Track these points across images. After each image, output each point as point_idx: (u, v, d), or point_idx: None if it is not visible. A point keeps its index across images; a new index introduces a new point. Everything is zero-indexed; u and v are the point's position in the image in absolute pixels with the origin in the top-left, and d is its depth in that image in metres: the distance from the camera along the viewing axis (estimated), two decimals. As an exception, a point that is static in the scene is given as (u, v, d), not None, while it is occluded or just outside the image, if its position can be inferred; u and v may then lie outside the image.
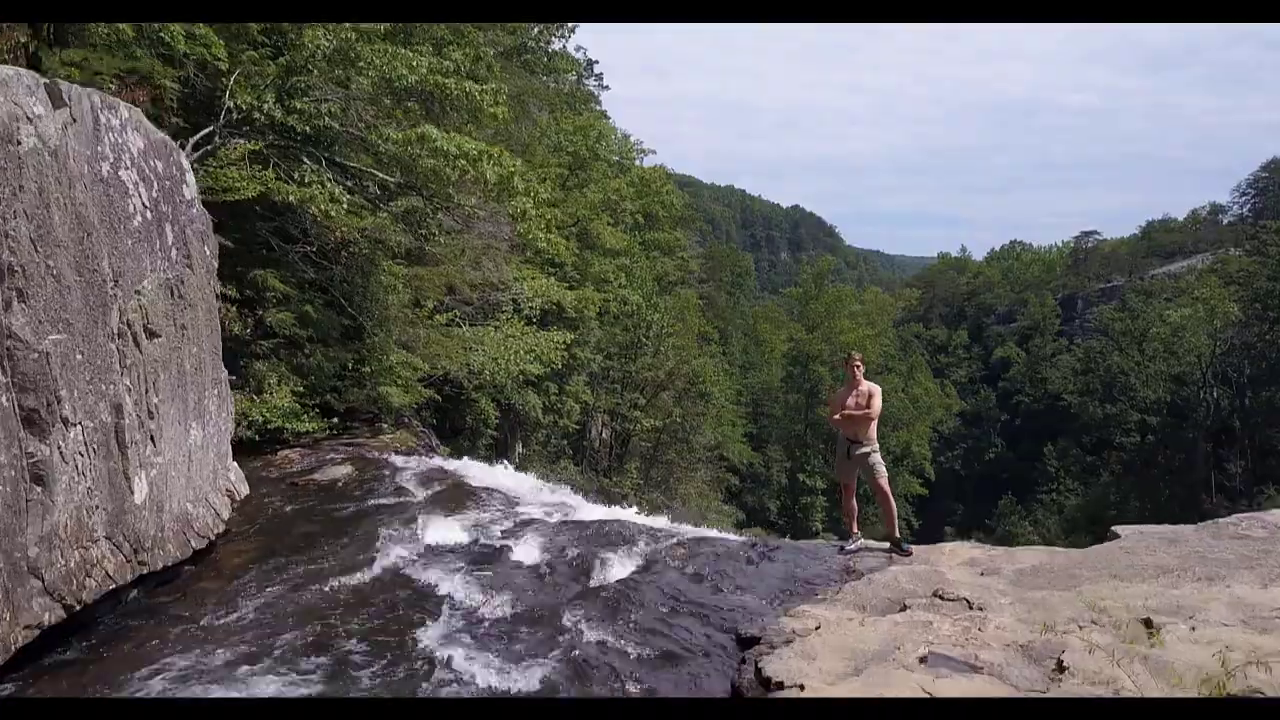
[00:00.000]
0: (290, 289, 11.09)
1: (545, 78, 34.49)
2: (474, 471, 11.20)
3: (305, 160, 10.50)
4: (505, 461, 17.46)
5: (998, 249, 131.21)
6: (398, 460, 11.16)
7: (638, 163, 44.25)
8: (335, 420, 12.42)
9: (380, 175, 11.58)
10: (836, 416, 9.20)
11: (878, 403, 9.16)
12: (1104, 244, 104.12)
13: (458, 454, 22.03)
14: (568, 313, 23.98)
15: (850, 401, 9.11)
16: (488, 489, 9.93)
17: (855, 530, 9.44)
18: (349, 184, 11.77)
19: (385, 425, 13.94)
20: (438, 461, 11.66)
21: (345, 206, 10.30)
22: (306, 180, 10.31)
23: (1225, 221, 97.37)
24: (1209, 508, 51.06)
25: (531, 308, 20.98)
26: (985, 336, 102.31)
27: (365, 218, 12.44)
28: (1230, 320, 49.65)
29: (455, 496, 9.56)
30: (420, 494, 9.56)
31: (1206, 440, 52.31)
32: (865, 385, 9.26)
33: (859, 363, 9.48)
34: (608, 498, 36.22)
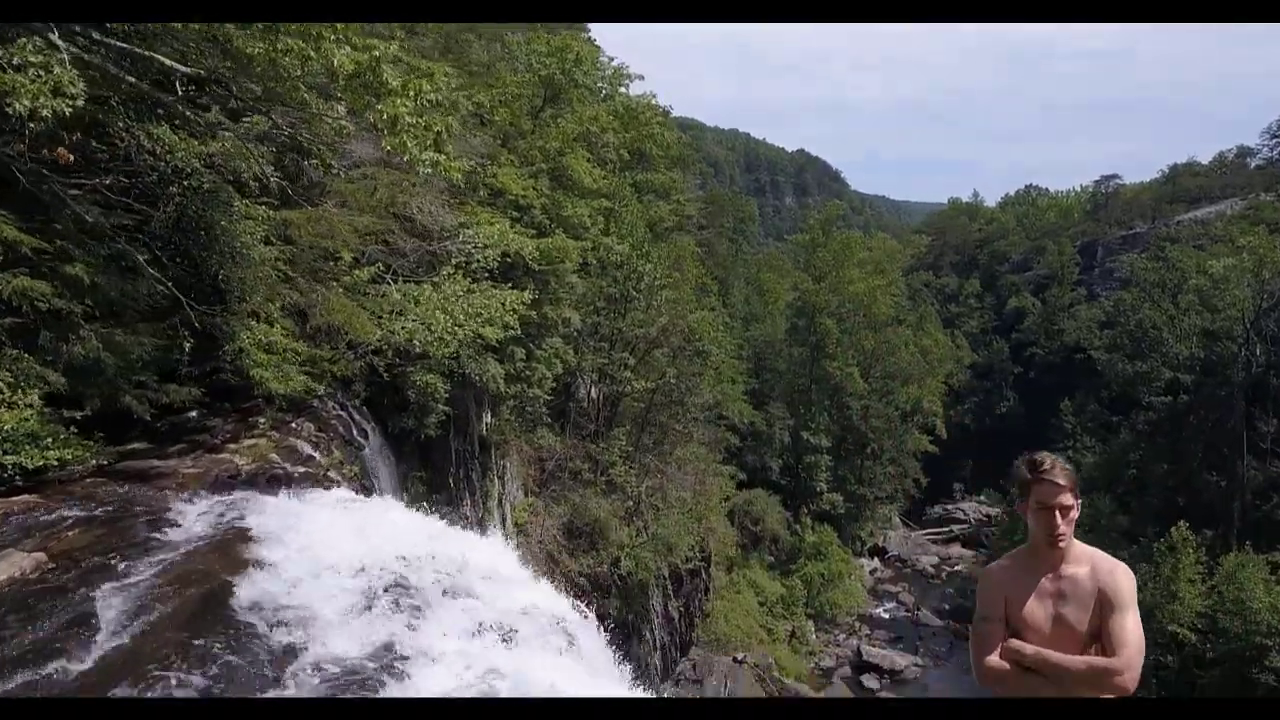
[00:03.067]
0: (40, 241, 7.43)
1: None
2: (332, 549, 7.29)
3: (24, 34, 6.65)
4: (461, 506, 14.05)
5: (1012, 194, 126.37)
6: (189, 509, 7.64)
7: (624, 90, 39.89)
8: (181, 422, 8.94)
9: (170, 64, 7.75)
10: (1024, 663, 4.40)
11: (1134, 634, 4.34)
12: (1125, 189, 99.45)
13: (400, 437, 18.62)
14: (536, 265, 20.26)
15: (1049, 616, 4.44)
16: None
17: None
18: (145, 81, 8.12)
19: (263, 421, 10.38)
20: (270, 509, 8.01)
21: (78, 102, 6.59)
22: (17, 62, 6.54)
23: (1254, 165, 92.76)
24: (1241, 470, 47.92)
25: (486, 259, 17.24)
26: (998, 286, 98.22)
27: (208, 142, 8.79)
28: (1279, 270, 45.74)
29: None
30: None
31: (1240, 399, 48.77)
32: (1086, 567, 4.48)
33: (1067, 496, 4.42)
34: (595, 466, 33.29)
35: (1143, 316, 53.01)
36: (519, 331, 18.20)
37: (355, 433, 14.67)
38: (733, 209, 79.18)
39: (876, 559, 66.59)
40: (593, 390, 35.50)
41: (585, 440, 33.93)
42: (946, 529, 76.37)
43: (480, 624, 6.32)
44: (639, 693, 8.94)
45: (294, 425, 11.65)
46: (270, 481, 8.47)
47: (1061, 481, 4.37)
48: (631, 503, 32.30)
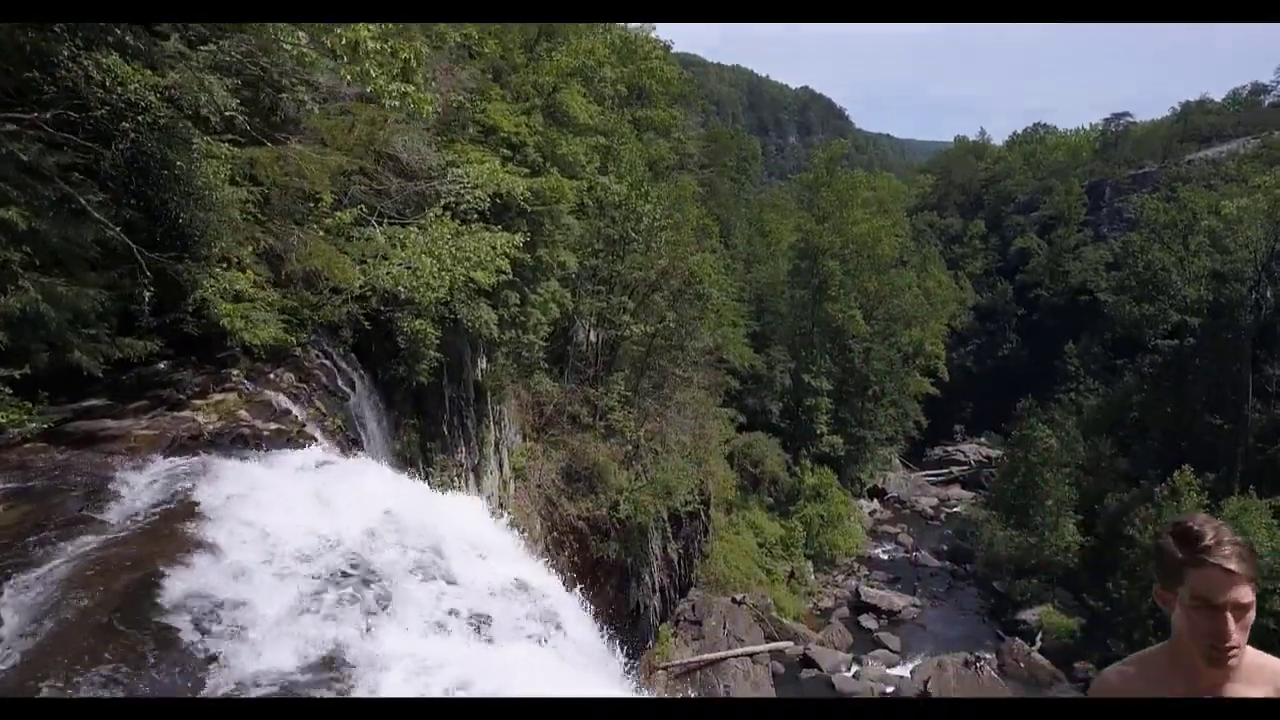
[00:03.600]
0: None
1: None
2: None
3: None
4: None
5: (1020, 132, 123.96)
6: (135, 479, 7.01)
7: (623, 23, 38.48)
8: (136, 378, 8.36)
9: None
10: None
11: None
12: (1136, 127, 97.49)
13: (391, 385, 18.11)
14: (529, 207, 19.52)
15: None
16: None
17: None
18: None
19: (236, 374, 9.82)
20: (221, 473, 7.45)
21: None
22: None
23: (1268, 103, 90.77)
24: (1245, 413, 47.60)
25: (475, 200, 16.52)
26: (1004, 227, 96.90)
27: (165, 73, 8.07)
28: (1293, 211, 44.78)
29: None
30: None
31: (1248, 343, 48.21)
32: (1265, 688, 3.21)
33: (1245, 589, 3.11)
34: (594, 411, 32.92)
35: (1151, 258, 52.14)
36: (512, 276, 17.56)
37: (340, 382, 14.14)
38: (735, 147, 77.63)
39: (876, 500, 66.81)
40: (591, 334, 34.96)
41: (584, 385, 33.51)
42: (946, 471, 76.52)
43: (451, 612, 5.83)
44: (629, 683, 8.47)
45: (272, 376, 11.10)
46: (235, 442, 7.91)
47: (1236, 568, 3.04)
48: (630, 447, 32.00)
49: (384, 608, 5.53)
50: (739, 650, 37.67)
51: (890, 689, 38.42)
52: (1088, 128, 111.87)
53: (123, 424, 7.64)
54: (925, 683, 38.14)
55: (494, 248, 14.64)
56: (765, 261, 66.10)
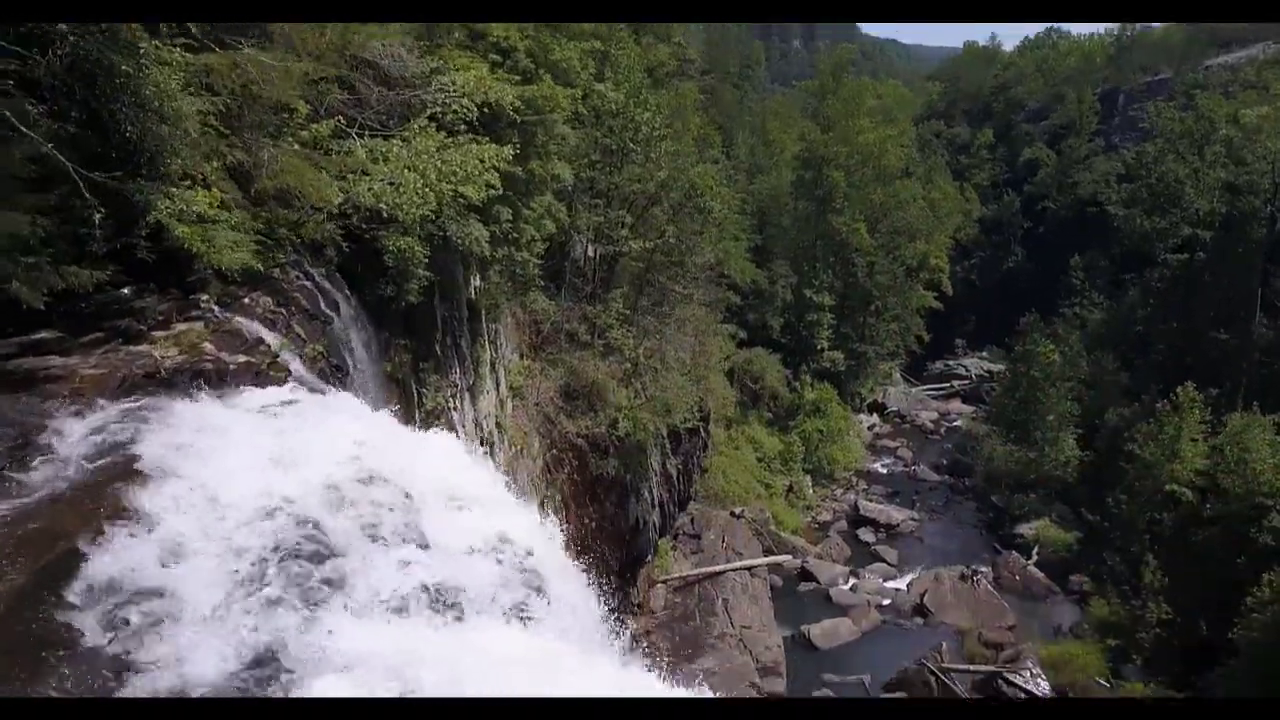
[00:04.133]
0: None
1: None
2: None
3: None
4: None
5: (1032, 37, 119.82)
6: (74, 427, 6.09)
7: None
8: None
9: None
10: None
11: None
12: (1151, 32, 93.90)
13: (380, 305, 17.46)
14: (520, 117, 18.55)
15: None
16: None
17: None
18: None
19: (205, 300, 9.19)
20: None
21: None
22: None
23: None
24: (1253, 328, 47.01)
25: (462, 110, 15.61)
26: (1012, 136, 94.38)
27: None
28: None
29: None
30: None
31: (1259, 256, 47.29)
32: None
33: None
34: (592, 328, 32.35)
35: (1164, 169, 50.65)
36: (503, 190, 16.74)
37: (323, 305, 13.51)
38: (738, 53, 75.02)
39: (876, 415, 66.82)
40: (589, 250, 34.11)
41: (582, 302, 32.87)
42: (947, 385, 76.38)
43: (418, 588, 5.29)
44: (614, 651, 8.00)
45: (247, 301, 10.47)
46: (196, 379, 7.32)
47: None
48: (629, 365, 31.53)
49: (337, 588, 5.00)
50: (737, 564, 37.99)
51: (887, 601, 38.90)
52: (1102, 32, 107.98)
53: (69, 362, 6.97)
54: (922, 595, 38.60)
55: (482, 161, 13.85)
56: (768, 172, 64.56)
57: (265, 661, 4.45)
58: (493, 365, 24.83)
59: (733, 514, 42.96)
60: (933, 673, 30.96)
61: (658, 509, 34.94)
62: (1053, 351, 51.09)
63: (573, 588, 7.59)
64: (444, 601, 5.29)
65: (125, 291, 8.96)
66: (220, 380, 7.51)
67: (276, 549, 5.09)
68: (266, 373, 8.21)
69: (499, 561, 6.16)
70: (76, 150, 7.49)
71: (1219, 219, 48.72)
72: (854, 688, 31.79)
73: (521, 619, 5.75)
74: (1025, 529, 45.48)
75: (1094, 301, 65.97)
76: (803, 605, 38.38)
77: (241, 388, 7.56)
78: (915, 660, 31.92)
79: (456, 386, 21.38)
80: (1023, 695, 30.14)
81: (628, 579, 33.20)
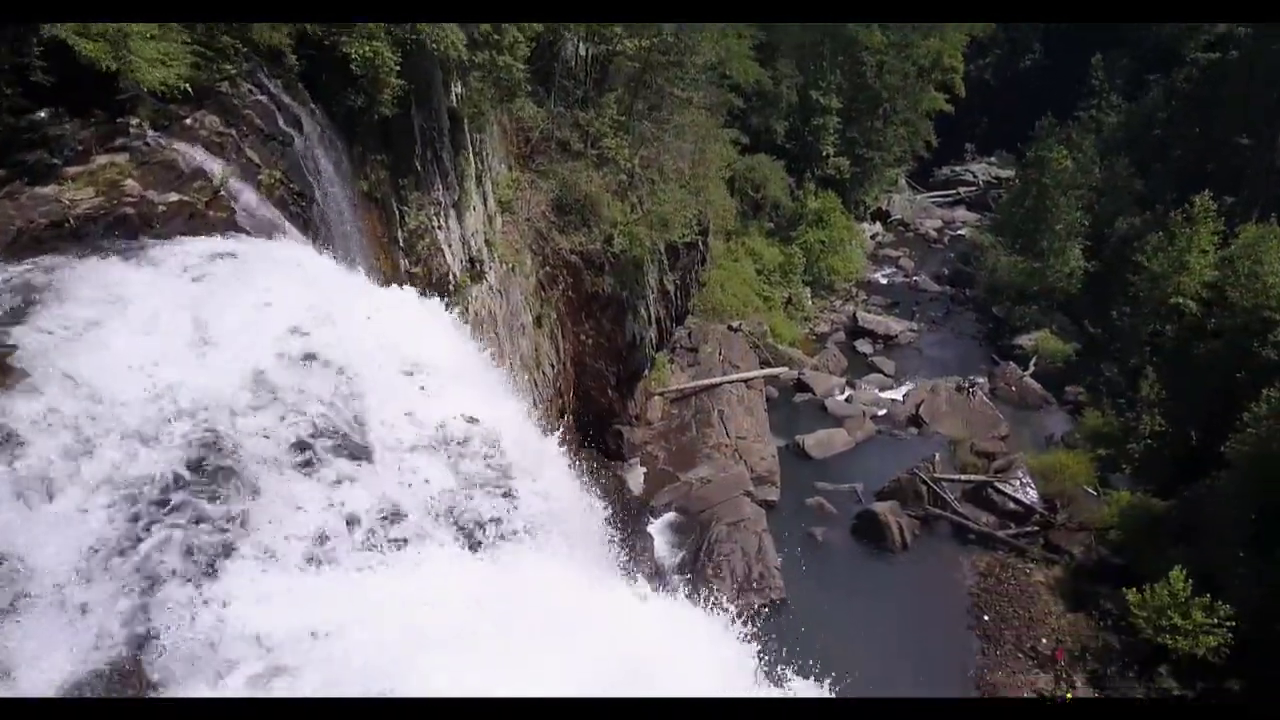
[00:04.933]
0: None
1: None
2: None
3: None
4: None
5: None
6: None
7: None
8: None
9: None
10: None
11: None
12: None
13: (351, 117, 16.04)
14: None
15: None
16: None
17: None
18: None
19: (135, 124, 8.01)
20: None
21: None
22: None
23: None
24: (1277, 134, 44.90)
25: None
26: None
27: None
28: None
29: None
30: None
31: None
32: None
33: None
34: (585, 137, 30.56)
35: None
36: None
37: (282, 122, 12.24)
38: None
39: (879, 223, 65.39)
40: (580, 49, 31.75)
41: (573, 108, 30.97)
42: (953, 191, 74.46)
43: (348, 518, 4.47)
44: (599, 570, 7.12)
45: (189, 122, 9.26)
46: (113, 229, 6.26)
47: None
48: (625, 176, 30.09)
49: (240, 535, 4.17)
50: (734, 376, 38.07)
51: (882, 412, 39.25)
52: None
53: None
54: (917, 406, 38.89)
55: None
56: (774, -39, 59.64)
57: (127, 665, 3.69)
58: (479, 179, 23.52)
59: (730, 327, 42.68)
60: (924, 482, 31.56)
61: (654, 325, 34.51)
62: (1065, 157, 49.12)
63: (555, 479, 6.71)
64: (379, 535, 4.51)
65: (41, 115, 7.81)
66: (145, 227, 6.47)
67: (165, 492, 4.21)
68: (204, 214, 7.14)
69: (458, 461, 5.32)
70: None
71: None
72: (846, 495, 32.50)
73: (485, 541, 4.98)
74: (1024, 340, 45.37)
75: (1112, 104, 62.83)
76: (798, 416, 38.75)
77: (169, 238, 6.49)
78: (908, 469, 32.46)
79: (440, 204, 20.24)
80: (1011, 504, 30.87)
81: (625, 393, 33.26)
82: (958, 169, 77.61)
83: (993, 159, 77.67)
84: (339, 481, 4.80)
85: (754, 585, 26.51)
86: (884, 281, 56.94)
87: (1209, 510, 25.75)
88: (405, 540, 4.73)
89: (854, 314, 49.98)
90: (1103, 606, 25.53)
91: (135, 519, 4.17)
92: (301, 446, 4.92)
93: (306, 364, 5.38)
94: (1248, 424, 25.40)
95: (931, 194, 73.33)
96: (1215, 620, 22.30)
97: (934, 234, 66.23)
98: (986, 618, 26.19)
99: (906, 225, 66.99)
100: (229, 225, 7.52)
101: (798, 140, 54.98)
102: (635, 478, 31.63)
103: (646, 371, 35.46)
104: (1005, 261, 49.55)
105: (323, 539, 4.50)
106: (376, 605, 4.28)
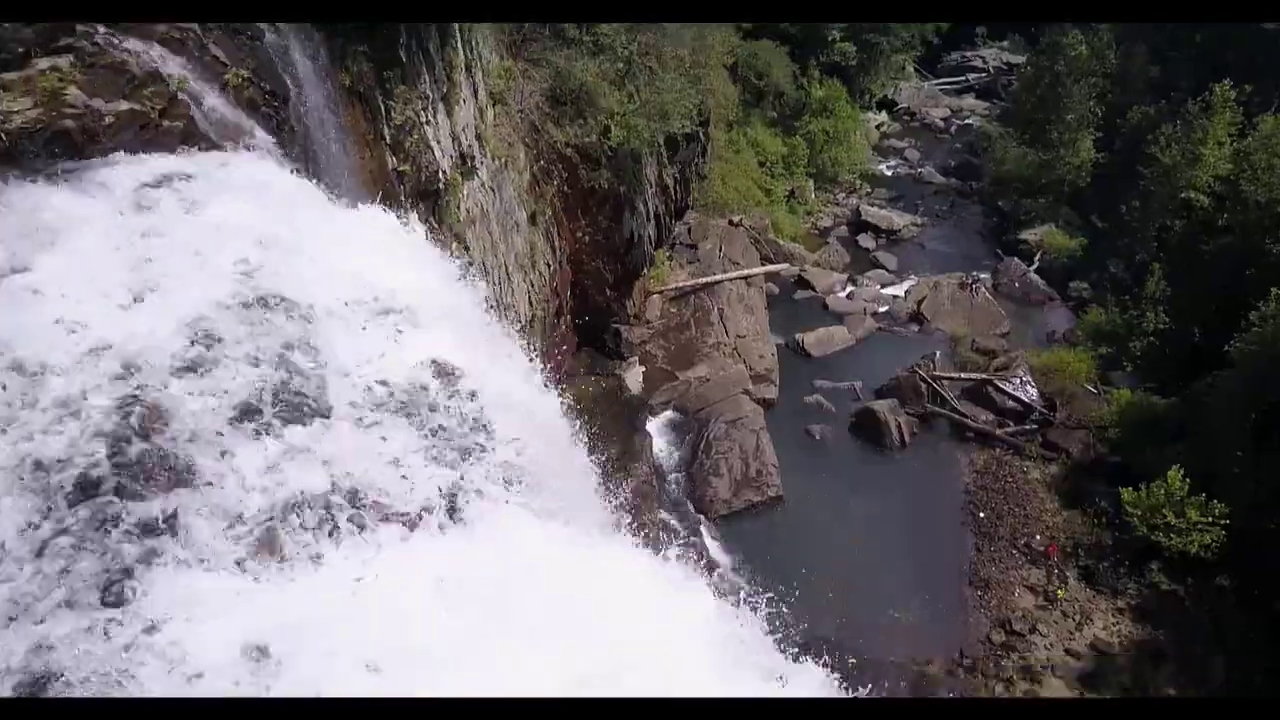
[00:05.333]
0: None
1: None
2: None
3: None
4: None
5: None
6: None
7: None
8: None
9: None
10: None
11: None
12: None
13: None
14: None
15: None
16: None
17: None
18: None
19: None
20: None
21: None
22: None
23: None
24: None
25: None
26: None
27: None
28: None
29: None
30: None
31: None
32: None
33: None
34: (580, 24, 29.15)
35: None
36: None
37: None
38: None
39: (884, 113, 63.51)
40: (575, -74, 29.92)
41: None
42: (962, 78, 72.05)
43: (292, 503, 3.90)
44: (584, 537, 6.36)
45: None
46: (51, 145, 5.64)
47: None
48: (622, 64, 28.82)
49: (163, 533, 3.71)
50: (734, 273, 37.51)
51: (883, 308, 38.85)
52: None
53: None
54: (919, 303, 38.49)
55: None
56: None
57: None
58: (468, 69, 22.43)
59: (731, 222, 41.84)
60: (924, 380, 31.44)
61: (653, 221, 33.74)
62: (1080, 42, 47.16)
63: (548, 436, 6.15)
64: (328, 520, 4.03)
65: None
66: (89, 143, 5.84)
67: (80, 487, 3.68)
68: (158, 123, 6.50)
69: (431, 418, 4.77)
70: None
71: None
72: (845, 393, 32.44)
73: (462, 514, 4.47)
74: (1030, 235, 44.56)
75: (1133, -17, 60.02)
76: (799, 314, 38.39)
77: (115, 155, 5.85)
78: (907, 367, 32.32)
79: (428, 97, 19.29)
80: (1011, 402, 30.82)
81: (623, 291, 32.80)
82: (968, 54, 74.85)
83: (1005, 43, 74.84)
84: (289, 454, 4.32)
85: (751, 483, 26.68)
86: (889, 174, 55.63)
87: (1209, 409, 25.66)
88: (363, 525, 4.29)
89: (857, 208, 48.99)
90: (1098, 504, 25.72)
91: (40, 520, 3.71)
92: (248, 413, 4.40)
93: (261, 308, 4.83)
94: (1254, 323, 25.07)
95: (939, 81, 70.97)
96: (1209, 519, 22.46)
97: (940, 124, 64.37)
98: (982, 515, 26.46)
99: (913, 114, 65.05)
100: (187, 135, 6.87)
101: (803, 24, 52.75)
102: (634, 377, 31.50)
103: (645, 269, 34.88)
104: (1013, 153, 48.19)
105: (268, 531, 4.06)
106: (328, 611, 3.91)
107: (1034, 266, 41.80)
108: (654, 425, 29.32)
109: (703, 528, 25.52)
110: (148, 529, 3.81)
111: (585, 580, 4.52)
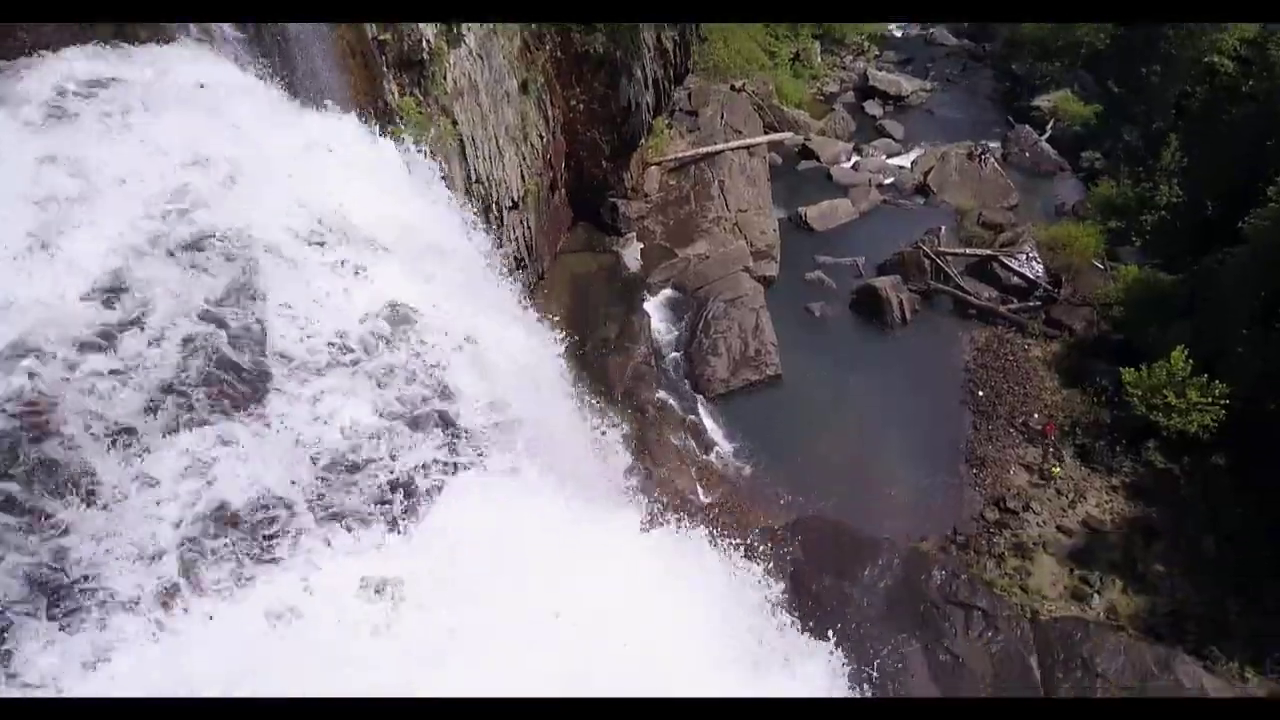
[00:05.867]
0: None
1: None
2: None
3: None
4: None
5: None
6: None
7: None
8: None
9: None
10: None
11: None
12: None
13: None
14: None
15: None
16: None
17: None
18: None
19: None
20: None
21: None
22: None
23: None
24: None
25: None
26: None
27: None
28: None
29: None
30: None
31: None
32: None
33: None
34: None
35: None
36: None
37: None
38: None
39: (897, -33, 60.13)
40: None
41: None
42: (980, -71, 67.86)
43: (202, 524, 3.09)
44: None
45: None
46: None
47: None
48: (617, -84, 26.88)
49: (54, 564, 2.89)
50: (735, 143, 36.20)
51: (889, 180, 37.73)
52: None
53: None
54: (926, 174, 37.35)
55: None
56: None
57: None
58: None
59: (733, 87, 40.16)
60: (927, 255, 30.78)
61: (651, 87, 32.26)
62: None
63: (538, 396, 5.29)
64: (251, 546, 3.28)
65: None
66: (5, 37, 4.90)
67: None
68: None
69: (389, 382, 3.95)
70: None
71: None
72: (847, 269, 31.86)
73: (416, 505, 3.79)
74: (1043, 101, 42.83)
75: None
76: (802, 185, 37.29)
77: (40, 52, 4.81)
78: (911, 242, 31.59)
79: None
80: (1015, 278, 30.24)
81: (621, 163, 31.67)
82: (987, -99, 70.36)
83: None
84: (214, 448, 3.63)
85: (750, 362, 26.45)
86: (898, 35, 53.17)
87: (1218, 285, 25.14)
88: (299, 533, 3.67)
89: (864, 71, 47.00)
90: (1098, 383, 25.53)
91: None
92: (171, 394, 3.70)
93: (194, 250, 4.01)
94: (1271, 197, 24.24)
95: (956, -69, 66.94)
96: (1210, 399, 22.30)
97: (955, -21, 61.04)
98: (981, 393, 26.33)
99: (926, -31, 61.62)
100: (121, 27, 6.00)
101: None
102: (631, 254, 30.82)
103: (643, 139, 33.61)
104: (1031, 11, 45.78)
105: (182, 561, 3.39)
106: (256, 658, 3.40)
107: (1046, 135, 40.36)
108: (652, 304, 28.87)
109: (700, 407, 25.43)
110: (32, 581, 3.17)
111: (563, 575, 4.07)
